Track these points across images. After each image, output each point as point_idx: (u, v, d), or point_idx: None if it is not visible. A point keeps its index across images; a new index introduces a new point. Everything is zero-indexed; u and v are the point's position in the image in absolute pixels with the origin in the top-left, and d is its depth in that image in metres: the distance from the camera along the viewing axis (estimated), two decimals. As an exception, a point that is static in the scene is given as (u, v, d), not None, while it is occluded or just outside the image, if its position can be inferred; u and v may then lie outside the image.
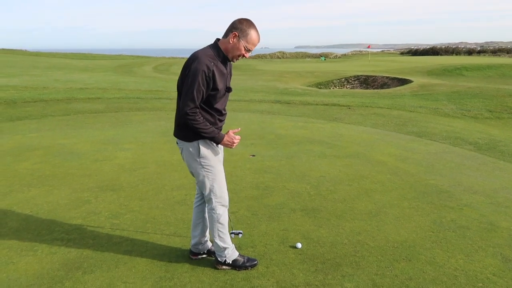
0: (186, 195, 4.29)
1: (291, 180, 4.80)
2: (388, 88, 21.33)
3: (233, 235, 3.06)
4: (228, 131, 2.69)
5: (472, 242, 3.31)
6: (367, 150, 6.26)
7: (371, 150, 6.30)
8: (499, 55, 49.90)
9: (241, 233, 3.09)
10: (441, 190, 4.53)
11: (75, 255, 3.05)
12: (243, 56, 2.58)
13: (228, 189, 4.44)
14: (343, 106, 11.80)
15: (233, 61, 2.66)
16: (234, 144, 2.68)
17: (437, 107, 12.95)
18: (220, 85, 2.58)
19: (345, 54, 64.22)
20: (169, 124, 8.31)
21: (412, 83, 20.46)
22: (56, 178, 4.83)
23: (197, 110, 2.53)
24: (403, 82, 21.85)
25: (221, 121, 2.77)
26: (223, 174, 2.81)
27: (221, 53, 2.59)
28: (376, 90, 20.45)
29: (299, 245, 3.21)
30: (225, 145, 2.68)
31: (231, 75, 2.79)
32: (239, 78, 24.30)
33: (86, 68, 29.89)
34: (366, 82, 24.77)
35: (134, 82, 20.28)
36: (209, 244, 3.04)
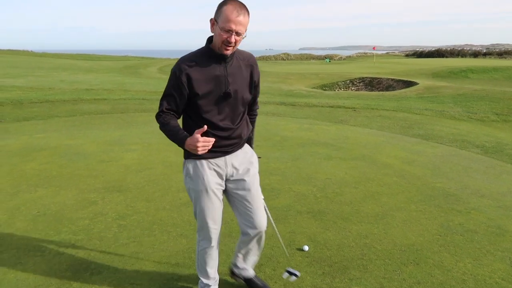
0: (192, 196, 4.29)
1: (297, 182, 4.80)
2: (393, 90, 21.28)
3: (286, 274, 2.66)
4: (194, 133, 2.08)
5: (480, 246, 3.29)
6: (373, 153, 6.24)
7: (377, 152, 6.28)
8: (505, 58, 49.64)
9: (296, 275, 2.63)
10: (448, 193, 4.50)
11: (83, 256, 3.06)
12: (229, 42, 2.05)
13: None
14: (349, 108, 11.77)
15: (224, 52, 2.10)
16: (199, 148, 2.04)
17: (443, 110, 12.88)
18: (203, 89, 2.12)
19: (350, 56, 64.17)
20: (175, 125, 8.33)
21: (417, 85, 20.40)
22: (63, 178, 4.85)
23: (162, 114, 2.18)
24: (408, 84, 21.79)
25: (220, 137, 2.22)
26: (210, 203, 2.30)
27: (208, 51, 2.15)
28: (381, 92, 20.40)
29: (306, 247, 3.20)
30: (190, 150, 2.09)
31: (245, 78, 2.24)
32: (244, 80, 24.28)
33: (91, 69, 30.04)
34: (371, 84, 24.71)
35: (139, 83, 20.36)
36: (250, 273, 2.66)
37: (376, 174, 5.17)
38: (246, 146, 2.46)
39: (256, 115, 2.55)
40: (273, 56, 63.21)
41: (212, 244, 2.40)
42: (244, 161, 2.38)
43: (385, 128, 8.67)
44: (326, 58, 58.12)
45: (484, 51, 62.81)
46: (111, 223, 3.66)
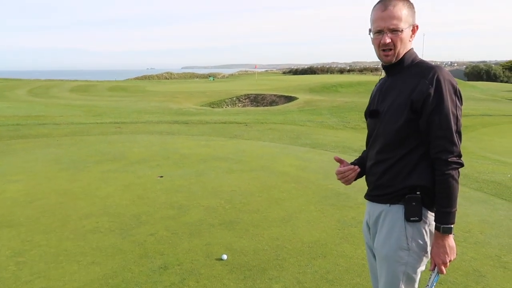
0: (98, 222, 4.07)
1: (205, 197, 4.89)
2: (277, 105, 22.74)
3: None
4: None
5: (372, 234, 3.81)
6: (270, 163, 6.66)
7: (273, 162, 6.72)
8: (365, 73, 56.85)
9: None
10: (339, 193, 5.07)
11: (-22, 302, 2.70)
12: (381, 45, 1.65)
13: (142, 212, 4.36)
14: (240, 123, 12.27)
15: (383, 61, 1.71)
16: None
17: (323, 121, 14.27)
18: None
19: (232, 74, 66.53)
20: (61, 151, 7.70)
21: (297, 100, 22.16)
22: None
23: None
24: (289, 99, 23.52)
25: (367, 171, 1.89)
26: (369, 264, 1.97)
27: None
28: (266, 108, 21.64)
29: (224, 256, 3.32)
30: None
31: (391, 92, 1.71)
32: (129, 100, 23.41)
33: None
34: (256, 100, 26.01)
35: (7, 107, 18.14)
36: None
37: (276, 182, 5.55)
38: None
39: (440, 168, 1.63)
40: (156, 75, 62.15)
41: None
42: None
43: (276, 140, 9.28)
44: (209, 76, 59.30)
45: (348, 68, 71.11)
46: (7, 261, 3.27)
